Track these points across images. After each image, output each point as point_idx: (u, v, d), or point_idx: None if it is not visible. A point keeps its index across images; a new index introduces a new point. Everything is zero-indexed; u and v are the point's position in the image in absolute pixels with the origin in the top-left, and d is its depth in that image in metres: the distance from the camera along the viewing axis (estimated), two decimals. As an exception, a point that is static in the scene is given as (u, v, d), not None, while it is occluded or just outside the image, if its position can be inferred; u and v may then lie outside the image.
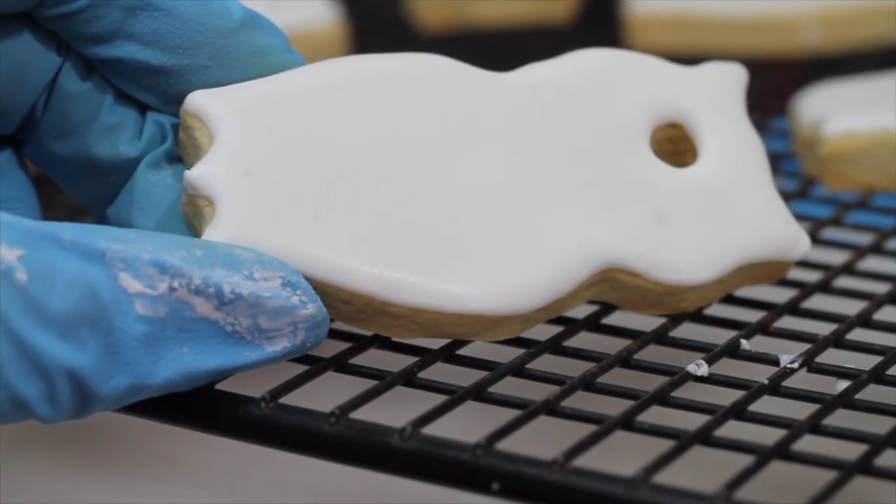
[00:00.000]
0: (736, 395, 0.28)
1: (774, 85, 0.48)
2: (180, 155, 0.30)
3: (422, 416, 0.27)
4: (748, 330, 0.31)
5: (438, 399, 0.28)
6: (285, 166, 0.28)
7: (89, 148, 0.30)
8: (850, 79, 0.44)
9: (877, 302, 0.33)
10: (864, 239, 0.37)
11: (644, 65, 0.32)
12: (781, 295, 0.33)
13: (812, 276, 0.34)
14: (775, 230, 0.31)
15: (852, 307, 0.33)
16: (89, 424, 0.28)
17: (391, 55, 0.31)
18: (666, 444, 0.26)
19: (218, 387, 0.27)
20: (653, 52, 0.34)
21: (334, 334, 0.29)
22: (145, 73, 0.29)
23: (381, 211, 0.28)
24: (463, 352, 0.30)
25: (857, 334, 0.32)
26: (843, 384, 0.29)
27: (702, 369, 0.29)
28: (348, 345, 0.30)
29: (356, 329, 0.29)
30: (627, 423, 0.27)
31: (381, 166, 0.29)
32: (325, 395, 0.28)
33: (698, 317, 0.32)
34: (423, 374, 0.29)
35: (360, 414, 0.27)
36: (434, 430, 0.27)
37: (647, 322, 0.31)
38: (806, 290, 0.33)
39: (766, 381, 0.29)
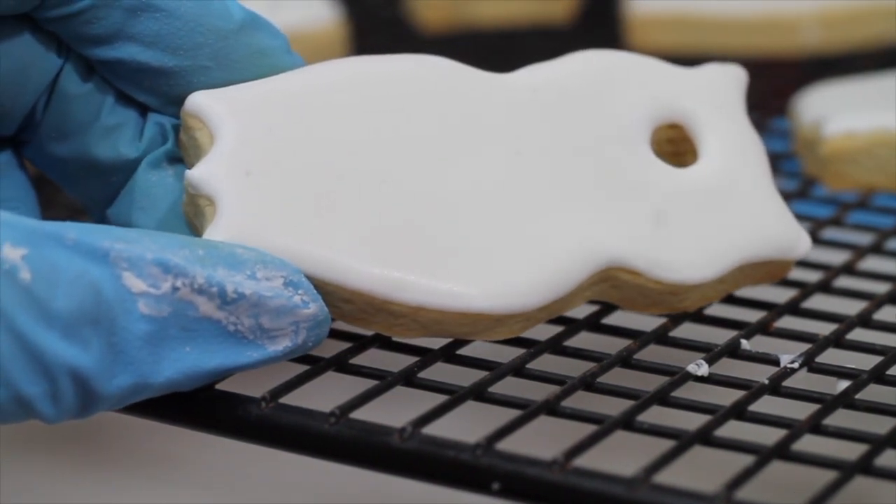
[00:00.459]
0: (736, 395, 0.28)
1: (774, 85, 0.48)
2: (181, 155, 0.30)
3: (422, 416, 0.27)
4: (748, 330, 0.31)
5: (439, 399, 0.28)
6: (286, 166, 0.28)
7: (90, 149, 0.30)
8: (850, 79, 0.44)
9: (877, 302, 0.33)
10: (865, 239, 0.37)
11: (644, 66, 0.32)
12: (781, 295, 0.33)
13: (812, 276, 0.34)
14: (776, 230, 0.31)
15: (852, 307, 0.33)
16: (90, 424, 0.28)
17: (391, 56, 0.31)
18: (666, 444, 0.26)
19: (218, 386, 0.27)
20: (653, 53, 0.34)
21: (335, 334, 0.29)
22: (146, 75, 0.29)
23: (382, 211, 0.28)
24: (463, 352, 0.30)
25: (858, 334, 0.32)
26: (844, 384, 0.29)
27: (702, 369, 0.29)
28: (349, 345, 0.30)
29: (357, 329, 0.29)
30: (627, 423, 0.27)
31: (382, 166, 0.29)
32: (325, 395, 0.28)
33: (698, 317, 0.32)
34: (423, 374, 0.29)
35: (360, 414, 0.27)
36: (434, 429, 0.27)
37: (648, 322, 0.31)
38: (806, 290, 0.33)
39: (766, 381, 0.29)
